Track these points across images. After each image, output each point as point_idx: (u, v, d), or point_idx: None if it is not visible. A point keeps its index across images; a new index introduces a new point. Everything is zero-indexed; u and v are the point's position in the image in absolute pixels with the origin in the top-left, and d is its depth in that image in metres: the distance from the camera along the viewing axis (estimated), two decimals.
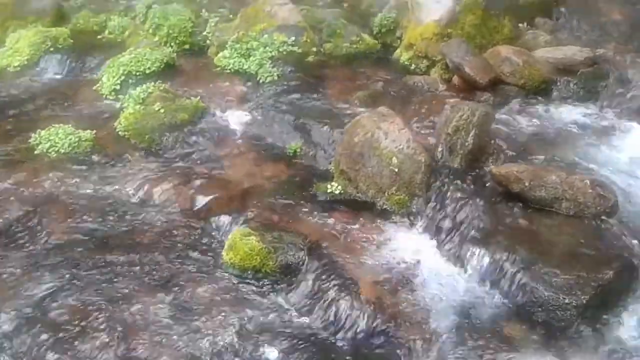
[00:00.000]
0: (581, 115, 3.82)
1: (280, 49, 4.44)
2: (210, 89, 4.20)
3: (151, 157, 3.60)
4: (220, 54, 4.54)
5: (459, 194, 3.09)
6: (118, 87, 4.19)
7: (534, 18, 4.72)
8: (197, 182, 3.37)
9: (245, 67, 4.37)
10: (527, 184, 3.01)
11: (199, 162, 3.56)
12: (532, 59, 4.14)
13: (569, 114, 3.83)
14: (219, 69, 4.45)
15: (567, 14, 4.75)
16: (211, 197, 3.24)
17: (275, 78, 4.23)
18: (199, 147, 3.66)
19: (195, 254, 2.93)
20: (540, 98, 3.96)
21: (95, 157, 3.59)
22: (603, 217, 2.90)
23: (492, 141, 3.39)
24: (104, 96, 4.20)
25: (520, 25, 4.60)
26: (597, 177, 3.11)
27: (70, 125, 3.74)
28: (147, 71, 4.26)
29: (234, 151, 3.64)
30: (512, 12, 4.56)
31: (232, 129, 3.83)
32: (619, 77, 4.00)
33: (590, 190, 2.95)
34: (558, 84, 4.05)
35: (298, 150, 3.61)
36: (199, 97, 3.98)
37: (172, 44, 4.72)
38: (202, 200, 3.23)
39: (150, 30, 4.85)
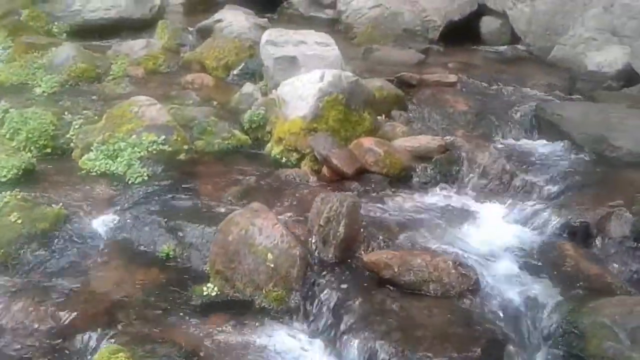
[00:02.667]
0: (439, 198, 4.12)
1: (150, 149, 4.39)
2: (75, 194, 4.00)
3: (6, 273, 3.30)
4: (85, 157, 4.39)
5: (334, 285, 3.15)
6: None
7: (390, 111, 5.14)
8: (59, 297, 3.11)
9: (113, 168, 4.25)
10: (396, 269, 3.15)
11: (61, 274, 3.31)
12: (392, 149, 4.46)
13: (429, 198, 4.12)
14: (84, 172, 4.28)
15: (419, 106, 5.23)
16: (75, 312, 3.00)
17: (146, 178, 4.15)
18: (61, 258, 3.43)
19: None
20: (402, 185, 4.23)
21: None
22: (467, 296, 3.09)
23: (362, 229, 3.53)
24: None
25: (379, 117, 4.96)
26: (458, 257, 3.34)
27: None
28: (3, 179, 3.99)
29: (101, 259, 3.45)
30: (371, 106, 4.90)
31: (98, 235, 3.64)
32: (469, 161, 4.40)
33: (453, 270, 3.16)
34: (417, 170, 4.36)
35: (171, 252, 3.50)
36: (61, 204, 3.77)
37: (32, 148, 4.48)
38: (64, 318, 2.98)
39: (8, 136, 4.59)
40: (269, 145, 4.76)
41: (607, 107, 4.94)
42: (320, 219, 3.40)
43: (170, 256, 3.49)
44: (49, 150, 4.57)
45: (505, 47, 7.60)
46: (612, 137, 4.36)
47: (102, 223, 3.74)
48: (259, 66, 5.77)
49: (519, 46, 7.51)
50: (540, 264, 3.41)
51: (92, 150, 4.40)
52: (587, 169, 4.16)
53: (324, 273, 3.23)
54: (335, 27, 7.98)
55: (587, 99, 5.56)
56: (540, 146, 4.62)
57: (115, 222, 3.74)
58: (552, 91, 5.86)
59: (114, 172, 4.22)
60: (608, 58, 6.06)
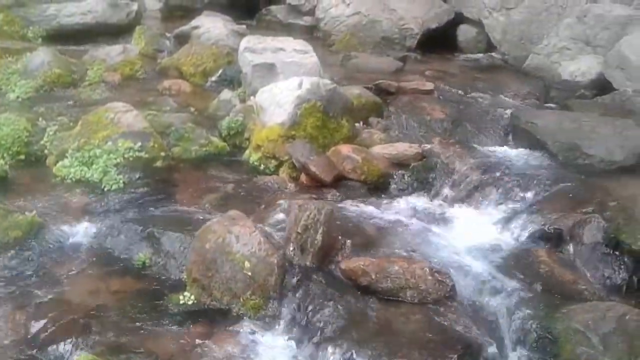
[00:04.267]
0: (416, 204, 4.15)
1: (126, 156, 4.34)
2: (49, 201, 3.95)
3: None
4: (60, 163, 4.33)
5: (312, 293, 3.14)
6: None
7: (368, 118, 5.17)
8: (33, 306, 3.06)
9: (88, 175, 4.20)
10: (373, 276, 3.16)
11: (35, 283, 3.25)
12: (370, 156, 4.49)
13: (406, 204, 4.15)
14: (58, 179, 4.22)
15: (396, 113, 5.26)
16: (49, 322, 2.95)
17: (121, 185, 4.11)
18: (35, 266, 3.36)
19: None
20: (380, 191, 4.26)
21: None
22: (443, 302, 3.11)
23: (340, 236, 3.53)
24: None
25: (357, 125, 5.00)
26: (434, 263, 3.36)
27: None
28: None
29: (76, 268, 3.39)
30: (349, 113, 4.93)
31: (73, 243, 3.59)
32: (445, 168, 4.45)
33: (430, 277, 3.18)
34: (394, 177, 4.39)
35: (147, 261, 3.46)
36: (35, 212, 3.71)
37: (5, 155, 4.40)
38: (38, 327, 2.93)
39: None
40: (247, 152, 4.75)
41: (581, 116, 5.03)
42: (298, 227, 3.40)
43: (147, 264, 3.46)
44: (22, 157, 4.49)
45: (482, 55, 7.73)
46: (585, 145, 4.44)
47: (77, 231, 3.69)
48: (237, 73, 5.77)
49: (494, 54, 7.65)
50: (515, 269, 3.45)
51: (67, 157, 4.35)
52: (561, 176, 4.22)
53: (302, 281, 3.22)
54: (313, 34, 8.03)
55: (561, 107, 5.66)
56: (515, 154, 4.68)
57: (90, 230, 3.69)
58: (527, 99, 5.96)
59: (89, 179, 4.17)
60: (581, 67, 6.18)
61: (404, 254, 3.48)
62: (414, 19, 7.85)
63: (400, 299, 3.13)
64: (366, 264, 3.21)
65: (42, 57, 5.72)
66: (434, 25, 7.99)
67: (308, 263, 3.34)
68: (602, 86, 5.91)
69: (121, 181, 4.12)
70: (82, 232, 3.68)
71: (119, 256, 3.52)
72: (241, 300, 3.17)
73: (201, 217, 3.76)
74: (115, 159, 4.29)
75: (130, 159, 4.33)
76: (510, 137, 5.00)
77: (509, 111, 5.28)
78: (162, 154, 4.51)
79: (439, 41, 7.87)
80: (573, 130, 4.68)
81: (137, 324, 3.01)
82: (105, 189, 4.08)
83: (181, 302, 3.18)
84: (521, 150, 4.75)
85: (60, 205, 3.92)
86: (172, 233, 3.58)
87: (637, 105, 5.20)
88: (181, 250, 3.48)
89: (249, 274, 3.19)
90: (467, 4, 8.21)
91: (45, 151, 4.54)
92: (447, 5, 8.25)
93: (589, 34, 6.47)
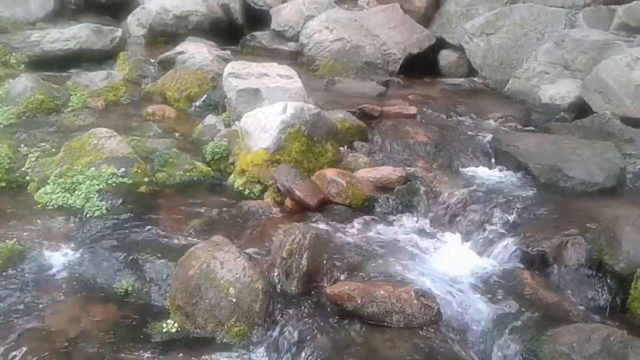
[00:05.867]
0: (401, 228, 4.16)
1: (109, 181, 4.32)
2: (30, 229, 3.89)
3: None
4: (42, 190, 4.29)
5: (298, 319, 3.11)
6: None
7: (352, 142, 5.20)
8: (13, 335, 2.99)
9: (70, 202, 4.16)
10: (359, 301, 3.14)
11: (15, 312, 3.18)
12: (355, 179, 4.50)
13: (391, 227, 4.15)
14: (40, 206, 4.17)
15: (380, 137, 5.31)
16: (29, 352, 2.88)
17: (104, 212, 4.07)
18: (16, 295, 3.30)
19: None
20: (365, 215, 4.26)
21: None
22: (429, 326, 3.10)
23: (325, 261, 3.52)
24: None
25: (341, 148, 5.02)
26: (420, 286, 3.36)
27: None
28: None
29: (57, 296, 3.33)
30: (334, 137, 4.96)
31: (54, 271, 3.53)
32: (429, 191, 4.48)
33: (416, 301, 3.17)
34: (379, 200, 4.40)
35: (130, 288, 3.41)
36: (15, 239, 3.66)
37: None
38: (18, 356, 2.86)
39: None
40: (231, 176, 4.74)
41: (561, 138, 5.10)
42: (282, 252, 3.39)
43: (129, 292, 3.41)
44: (3, 184, 4.44)
45: (463, 79, 7.86)
46: (566, 167, 4.50)
47: (58, 258, 3.64)
48: (221, 98, 5.79)
49: (476, 79, 7.78)
50: (500, 292, 3.46)
51: (49, 184, 4.31)
52: (543, 198, 4.27)
53: (287, 307, 3.19)
54: (298, 59, 8.11)
55: (541, 130, 5.74)
56: (498, 176, 4.74)
57: (72, 257, 3.65)
58: (508, 122, 6.05)
59: (72, 205, 4.13)
60: (560, 91, 6.29)
61: (390, 277, 3.47)
62: (396, 44, 7.98)
63: (386, 323, 3.12)
64: (352, 288, 3.19)
65: (24, 83, 5.70)
66: (415, 51, 8.13)
67: (293, 288, 3.33)
68: (581, 109, 6.02)
69: (104, 207, 4.09)
70: (63, 259, 3.63)
71: (101, 283, 3.47)
72: (226, 327, 3.14)
73: (185, 243, 3.74)
74: (98, 185, 4.26)
75: (114, 184, 4.30)
76: (492, 160, 5.06)
77: (491, 134, 5.35)
78: (146, 179, 4.49)
79: (421, 66, 8.01)
80: (554, 152, 4.75)
81: (119, 353, 2.95)
82: (88, 216, 4.03)
83: (164, 330, 3.13)
84: (504, 172, 4.80)
85: (42, 232, 3.87)
86: (155, 259, 3.55)
87: (615, 128, 5.29)
88: (164, 277, 3.45)
89: (234, 300, 3.16)
90: (448, 30, 8.38)
91: (27, 178, 4.50)
92: (428, 31, 8.42)
93: (568, 58, 6.62)
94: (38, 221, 4.00)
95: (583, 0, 7.52)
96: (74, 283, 3.46)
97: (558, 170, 4.50)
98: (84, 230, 3.89)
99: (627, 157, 4.90)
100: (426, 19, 8.59)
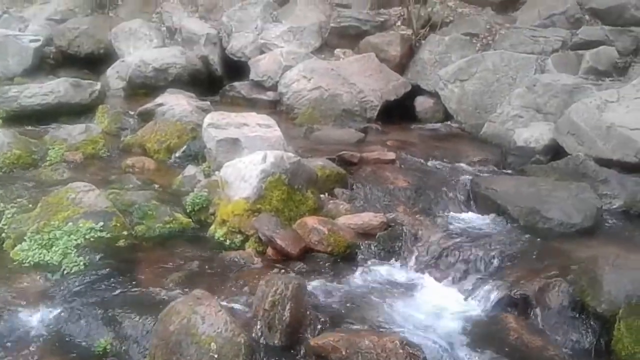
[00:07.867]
0: (384, 275, 4.14)
1: (87, 236, 4.25)
2: (5, 287, 3.78)
3: None
4: (18, 247, 4.20)
5: None
6: None
7: (333, 189, 5.22)
8: None
9: (47, 258, 4.07)
10: (344, 352, 3.09)
11: None
12: (336, 227, 4.50)
13: (373, 274, 4.13)
14: (16, 263, 4.08)
15: (360, 183, 5.34)
16: None
17: (82, 267, 3.99)
18: None
19: None
20: (347, 263, 4.24)
21: None
22: None
23: (308, 312, 3.47)
24: None
25: (322, 196, 5.03)
26: (404, 334, 3.32)
27: None
28: None
29: (33, 356, 3.22)
30: (314, 185, 4.98)
31: (29, 330, 3.41)
32: (410, 237, 4.48)
33: (401, 350, 3.12)
34: (361, 247, 4.39)
35: (108, 346, 3.31)
36: None
37: None
38: None
39: None
40: (212, 227, 4.70)
41: (538, 181, 5.19)
42: (265, 303, 3.34)
43: (107, 350, 3.32)
44: None
45: (440, 124, 8.02)
46: (544, 209, 4.56)
47: (34, 317, 3.53)
48: (201, 148, 5.80)
49: (452, 123, 7.94)
50: (485, 338, 3.43)
51: (25, 240, 4.22)
52: (523, 241, 4.30)
53: None
54: (277, 108, 8.22)
55: (518, 172, 5.85)
56: (477, 219, 4.78)
57: (48, 315, 3.54)
58: (486, 166, 6.15)
59: (49, 262, 4.04)
60: (534, 134, 6.44)
61: (374, 327, 3.43)
62: (372, 92, 8.14)
63: None
64: (336, 339, 3.14)
65: (1, 138, 5.67)
66: (392, 97, 8.30)
67: (276, 341, 3.26)
68: (555, 151, 6.15)
69: (82, 263, 4.01)
70: (39, 318, 3.52)
71: (79, 342, 3.37)
72: None
73: (165, 298, 3.66)
74: (76, 240, 4.19)
75: (92, 239, 4.24)
76: (472, 203, 5.11)
77: (468, 178, 5.43)
78: (125, 232, 4.43)
79: (398, 112, 8.16)
80: (531, 194, 4.82)
81: None
82: (65, 272, 3.95)
83: None
84: (483, 215, 4.84)
85: (17, 290, 3.77)
86: (134, 316, 3.46)
87: (590, 169, 5.40)
88: (144, 334, 3.36)
89: (215, 356, 3.09)
90: (423, 77, 8.60)
91: (3, 234, 4.40)
92: (404, 78, 8.62)
93: (539, 102, 6.81)
94: (14, 279, 3.90)
95: (551, 47, 7.82)
96: (51, 342, 3.36)
97: (536, 213, 4.56)
98: (62, 288, 3.80)
99: (602, 197, 5.00)
100: (401, 67, 8.81)
